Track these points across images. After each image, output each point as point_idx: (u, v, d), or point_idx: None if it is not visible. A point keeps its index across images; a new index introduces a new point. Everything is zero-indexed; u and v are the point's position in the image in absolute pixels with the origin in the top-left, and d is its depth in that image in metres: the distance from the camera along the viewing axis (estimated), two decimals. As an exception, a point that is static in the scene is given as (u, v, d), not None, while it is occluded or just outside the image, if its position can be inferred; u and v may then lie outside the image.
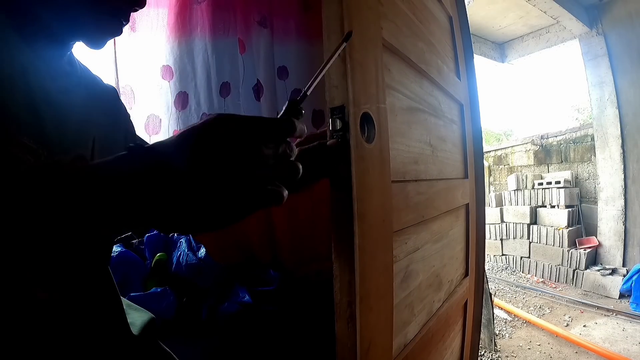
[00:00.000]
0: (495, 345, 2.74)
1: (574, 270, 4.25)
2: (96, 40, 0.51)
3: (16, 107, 0.39)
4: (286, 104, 0.35)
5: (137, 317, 0.72)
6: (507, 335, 3.00)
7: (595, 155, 4.54)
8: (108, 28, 0.50)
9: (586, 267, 4.15)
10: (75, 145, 0.49)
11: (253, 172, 0.29)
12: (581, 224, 4.62)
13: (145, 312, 0.77)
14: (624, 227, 4.15)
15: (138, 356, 0.61)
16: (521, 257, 5.01)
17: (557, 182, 4.75)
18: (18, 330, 0.40)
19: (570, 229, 4.49)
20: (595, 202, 4.53)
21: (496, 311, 3.21)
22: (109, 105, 0.63)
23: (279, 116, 0.33)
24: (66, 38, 0.50)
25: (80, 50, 0.55)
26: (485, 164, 6.10)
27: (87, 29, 0.49)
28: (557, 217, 4.61)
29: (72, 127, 0.48)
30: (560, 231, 4.48)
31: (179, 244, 1.33)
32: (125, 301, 0.67)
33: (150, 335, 0.68)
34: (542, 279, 4.56)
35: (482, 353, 2.65)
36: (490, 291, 2.93)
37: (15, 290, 0.39)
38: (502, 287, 4.33)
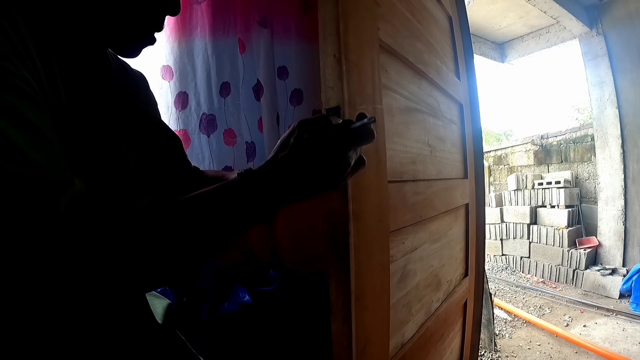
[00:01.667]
0: (495, 345, 2.73)
1: (574, 270, 4.24)
2: (132, 52, 0.53)
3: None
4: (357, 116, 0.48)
5: (157, 303, 0.72)
6: (507, 335, 3.00)
7: (595, 155, 4.53)
8: (143, 41, 0.52)
9: (586, 267, 4.15)
10: (114, 138, 0.53)
11: (343, 171, 0.42)
12: (581, 224, 4.62)
13: (162, 297, 0.77)
14: (624, 227, 4.14)
15: (163, 345, 0.61)
16: (521, 257, 5.01)
17: (557, 182, 4.75)
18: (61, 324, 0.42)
19: (570, 229, 4.48)
20: (595, 202, 4.53)
21: (496, 311, 3.20)
22: (139, 93, 0.65)
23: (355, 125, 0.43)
24: (103, 49, 0.53)
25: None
26: (485, 164, 6.09)
27: (123, 46, 0.52)
28: (557, 217, 4.61)
29: (112, 122, 0.53)
30: (560, 231, 4.48)
31: (178, 244, 1.33)
32: None
33: (170, 323, 0.68)
34: (542, 279, 4.56)
35: (482, 353, 2.64)
36: (490, 291, 2.93)
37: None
38: (502, 287, 4.33)
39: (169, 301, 0.73)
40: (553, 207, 4.71)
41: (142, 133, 0.62)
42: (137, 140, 0.60)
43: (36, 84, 0.36)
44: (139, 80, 0.66)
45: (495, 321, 2.84)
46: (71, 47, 0.46)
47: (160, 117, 0.73)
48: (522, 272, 4.91)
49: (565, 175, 4.82)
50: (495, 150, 6.29)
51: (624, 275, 3.71)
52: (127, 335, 0.53)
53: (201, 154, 1.32)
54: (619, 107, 4.20)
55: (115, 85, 0.56)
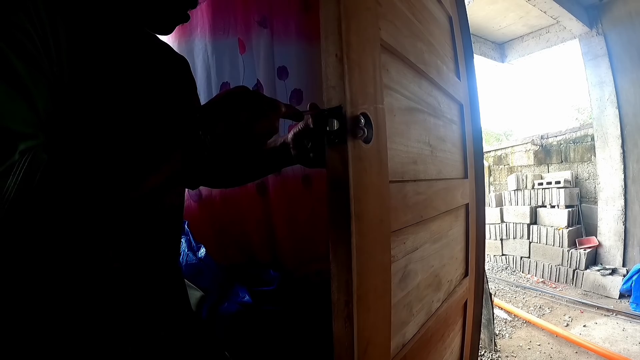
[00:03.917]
0: (495, 345, 2.73)
1: (574, 270, 4.24)
2: (167, 29, 0.56)
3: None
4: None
5: (191, 294, 0.73)
6: (507, 335, 3.00)
7: (595, 155, 4.53)
8: (178, 17, 0.54)
9: (586, 267, 4.15)
10: (162, 110, 0.55)
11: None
12: (581, 224, 4.62)
13: (196, 289, 0.78)
14: (624, 227, 4.14)
15: (196, 331, 0.63)
16: (521, 257, 5.01)
17: (557, 182, 4.75)
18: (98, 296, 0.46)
19: (570, 229, 4.48)
20: (595, 202, 4.53)
21: (496, 311, 3.20)
22: (182, 75, 0.67)
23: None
24: (138, 25, 0.55)
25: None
26: (485, 164, 6.10)
27: (159, 22, 0.54)
28: (557, 217, 4.61)
29: (157, 97, 0.55)
30: (560, 231, 4.48)
31: (178, 244, 1.33)
32: None
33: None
34: (542, 279, 4.56)
35: (482, 353, 2.64)
36: (490, 291, 2.93)
37: (93, 257, 0.46)
38: (502, 287, 4.33)
39: (203, 293, 0.75)
40: (553, 207, 4.71)
41: (186, 106, 0.64)
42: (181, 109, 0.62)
43: (40, 40, 0.37)
44: (181, 64, 0.68)
45: (495, 321, 2.84)
46: (99, 19, 0.47)
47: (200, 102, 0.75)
48: (522, 272, 4.91)
49: (565, 175, 4.82)
50: (495, 150, 6.29)
51: (624, 275, 3.71)
52: (167, 318, 0.55)
53: (201, 154, 1.32)
54: (619, 107, 4.20)
55: (155, 62, 0.57)
